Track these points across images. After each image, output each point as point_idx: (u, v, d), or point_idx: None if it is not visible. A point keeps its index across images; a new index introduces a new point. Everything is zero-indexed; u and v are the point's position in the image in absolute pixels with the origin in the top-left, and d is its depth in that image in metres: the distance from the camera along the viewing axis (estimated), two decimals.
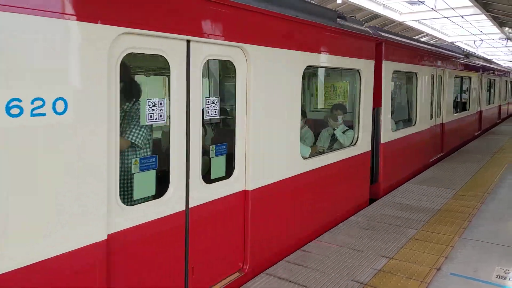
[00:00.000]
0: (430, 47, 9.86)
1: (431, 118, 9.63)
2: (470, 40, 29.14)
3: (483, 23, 23.74)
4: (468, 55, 13.74)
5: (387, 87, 7.07)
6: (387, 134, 7.21)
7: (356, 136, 6.21)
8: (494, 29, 24.76)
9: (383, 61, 6.93)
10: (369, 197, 6.77)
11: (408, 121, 8.78)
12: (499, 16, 19.69)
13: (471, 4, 18.38)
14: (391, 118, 7.62)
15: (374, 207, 6.40)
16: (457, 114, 12.15)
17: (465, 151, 11.62)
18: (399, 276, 4.14)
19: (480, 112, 15.20)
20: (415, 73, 8.50)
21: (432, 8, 20.33)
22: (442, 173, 8.73)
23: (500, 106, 19.94)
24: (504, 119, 21.26)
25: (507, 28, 24.50)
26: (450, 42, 22.92)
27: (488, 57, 27.77)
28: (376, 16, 23.90)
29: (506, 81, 21.94)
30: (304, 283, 4.01)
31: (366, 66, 6.23)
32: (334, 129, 6.24)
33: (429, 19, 25.69)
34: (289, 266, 4.38)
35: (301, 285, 3.99)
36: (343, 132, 6.20)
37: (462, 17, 21.02)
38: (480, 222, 5.65)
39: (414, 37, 17.10)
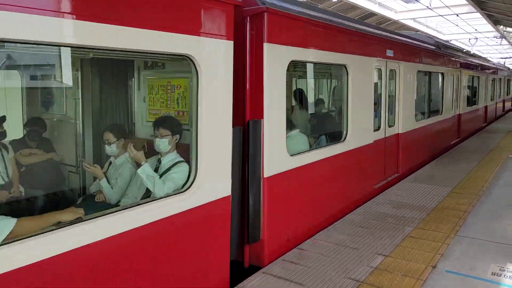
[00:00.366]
0: (373, 29, 7.05)
1: (378, 129, 7.16)
2: (465, 38, 29.27)
3: (478, 21, 23.87)
4: (441, 46, 11.32)
5: (275, 86, 4.48)
6: (279, 161, 4.58)
7: (193, 174, 3.57)
8: (489, 27, 24.90)
9: (266, 44, 4.30)
10: (248, 264, 4.52)
11: (333, 137, 6.25)
12: (493, 14, 19.80)
13: (466, 2, 18.47)
14: (301, 134, 5.56)
15: (369, 205, 6.41)
16: (423, 120, 9.48)
17: (461, 149, 11.66)
18: (395, 273, 4.15)
19: (459, 116, 12.80)
20: (344, 65, 5.94)
21: (427, 7, 20.38)
22: (438, 171, 8.75)
23: (486, 107, 17.69)
24: (491, 122, 19.11)
25: (501, 26, 24.65)
26: (445, 41, 22.92)
27: (483, 55, 27.89)
28: (372, 14, 23.96)
29: (494, 79, 19.61)
30: (300, 281, 4.01)
31: (208, 50, 3.53)
32: (142, 164, 3.72)
33: (424, 17, 25.76)
34: (285, 264, 4.38)
35: (297, 283, 3.98)
36: (168, 169, 3.77)
37: (457, 15, 21.10)
38: (475, 220, 5.67)
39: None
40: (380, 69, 7.18)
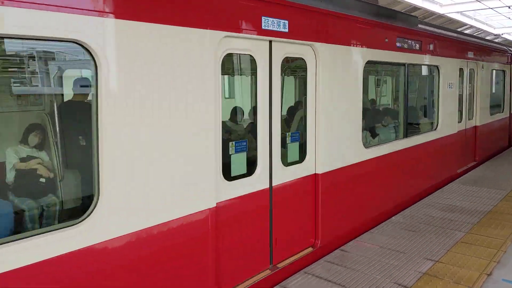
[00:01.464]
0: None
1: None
2: None
3: None
4: None
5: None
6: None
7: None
8: None
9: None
10: None
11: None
12: None
13: None
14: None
15: (416, 208, 6.10)
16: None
17: None
18: (446, 280, 3.89)
19: (316, 175, 4.60)
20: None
21: None
22: (491, 173, 8.23)
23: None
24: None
25: None
26: (496, 35, 21.53)
27: None
28: (415, 8, 23.01)
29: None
30: (343, 283, 3.85)
31: None
32: None
33: (473, 10, 24.46)
34: (328, 265, 4.23)
35: (340, 284, 3.83)
36: None
37: (509, 8, 19.86)
38: None
39: (457, 30, 14.73)
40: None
